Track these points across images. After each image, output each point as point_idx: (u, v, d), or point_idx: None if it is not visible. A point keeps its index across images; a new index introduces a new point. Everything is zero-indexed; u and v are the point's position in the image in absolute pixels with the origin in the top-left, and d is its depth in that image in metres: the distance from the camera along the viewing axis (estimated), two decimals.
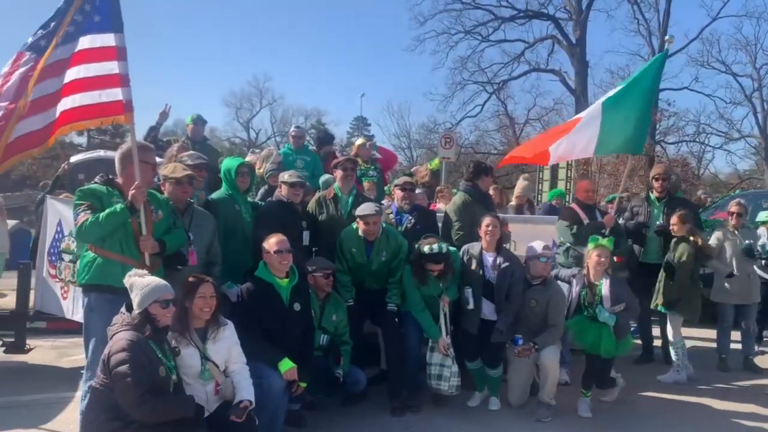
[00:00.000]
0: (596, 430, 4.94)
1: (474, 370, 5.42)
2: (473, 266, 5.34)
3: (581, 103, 26.27)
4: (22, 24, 44.70)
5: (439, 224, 6.29)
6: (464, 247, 5.50)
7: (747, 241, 6.72)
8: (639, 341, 7.00)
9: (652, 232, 6.66)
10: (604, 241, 5.39)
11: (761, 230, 7.31)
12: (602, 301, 5.25)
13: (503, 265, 5.26)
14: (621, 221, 7.19)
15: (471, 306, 5.26)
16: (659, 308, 6.29)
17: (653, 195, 6.88)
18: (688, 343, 6.75)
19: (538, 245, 5.37)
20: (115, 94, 4.22)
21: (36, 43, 4.15)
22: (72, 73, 4.20)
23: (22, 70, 4.10)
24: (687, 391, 5.99)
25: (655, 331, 7.04)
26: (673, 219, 6.27)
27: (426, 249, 5.15)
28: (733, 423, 5.19)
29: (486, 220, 5.34)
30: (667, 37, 6.37)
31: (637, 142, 6.14)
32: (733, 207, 6.99)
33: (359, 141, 8.44)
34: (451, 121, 31.59)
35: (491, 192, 6.77)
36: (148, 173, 4.33)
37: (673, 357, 6.28)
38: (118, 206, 4.04)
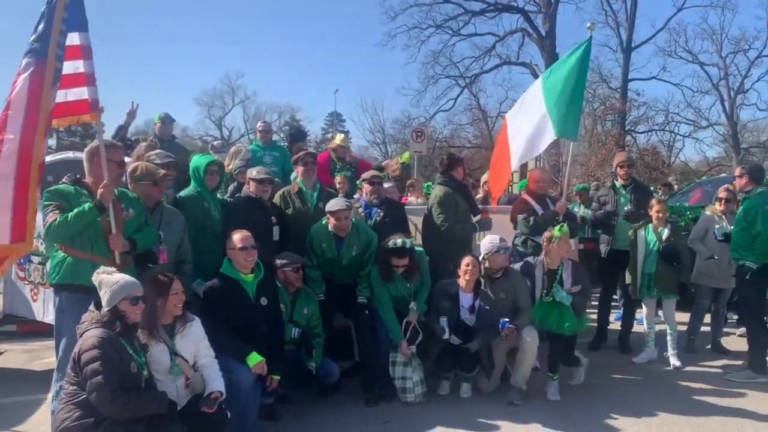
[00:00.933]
0: (566, 413, 5.05)
1: (445, 376, 5.53)
2: (448, 304, 5.40)
3: None
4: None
5: (410, 217, 6.38)
6: (439, 284, 5.56)
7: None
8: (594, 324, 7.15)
9: (621, 219, 6.79)
10: (565, 230, 5.58)
11: None
12: (561, 282, 5.48)
13: (486, 307, 5.38)
14: (588, 212, 7.33)
15: (447, 336, 5.31)
16: (657, 296, 6.44)
17: (618, 183, 7.03)
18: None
19: (494, 239, 5.57)
20: (81, 93, 4.23)
21: (31, 48, 4.05)
22: None
23: (24, 75, 3.99)
24: (654, 373, 6.18)
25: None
26: (656, 206, 6.49)
27: (390, 244, 5.27)
28: (698, 402, 5.36)
29: (465, 260, 5.41)
30: (588, 24, 6.54)
31: (573, 128, 6.36)
32: (721, 193, 6.94)
33: (339, 138, 8.42)
34: (424, 116, 31.86)
35: None
36: (114, 171, 4.30)
37: (672, 341, 6.45)
38: (87, 205, 4.03)
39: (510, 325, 5.22)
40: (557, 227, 5.62)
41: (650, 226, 6.50)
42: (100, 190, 4.05)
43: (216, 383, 3.90)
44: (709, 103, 31.56)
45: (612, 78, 28.98)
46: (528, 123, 6.53)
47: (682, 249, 6.47)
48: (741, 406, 5.27)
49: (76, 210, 4.02)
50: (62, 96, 4.19)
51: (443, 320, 5.31)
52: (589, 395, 5.47)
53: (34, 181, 3.97)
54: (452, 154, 6.80)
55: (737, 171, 6.29)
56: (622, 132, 25.21)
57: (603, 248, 6.96)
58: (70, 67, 4.18)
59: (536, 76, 28.79)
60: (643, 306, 6.67)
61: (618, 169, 7.08)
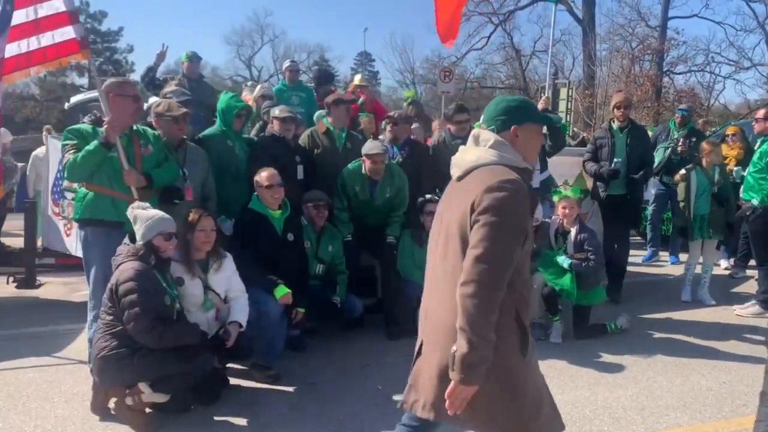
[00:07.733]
0: (586, 354, 5.09)
1: None
2: None
3: (588, 32, 25.68)
4: None
5: None
6: None
7: None
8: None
9: (621, 163, 6.54)
10: (568, 192, 5.49)
11: None
12: (567, 248, 5.40)
13: None
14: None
15: None
16: (708, 237, 6.47)
17: (615, 125, 6.80)
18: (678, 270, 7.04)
19: None
20: (67, 32, 4.26)
21: None
22: (20, 16, 4.21)
23: None
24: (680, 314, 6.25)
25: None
26: (706, 146, 6.50)
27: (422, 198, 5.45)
28: (711, 344, 5.37)
29: None
30: None
31: None
32: None
33: (358, 78, 8.26)
34: (456, 55, 31.06)
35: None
36: (127, 107, 4.25)
37: (707, 277, 6.65)
38: (93, 144, 4.06)
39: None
40: (554, 191, 5.63)
41: (699, 168, 6.49)
42: (104, 127, 4.08)
43: (238, 314, 4.05)
44: (753, 42, 30.21)
45: (651, 16, 27.77)
46: None
47: (730, 190, 6.51)
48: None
49: (84, 150, 4.07)
50: (49, 38, 4.24)
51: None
52: (615, 336, 5.48)
53: None
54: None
55: (762, 113, 6.28)
56: (660, 73, 24.37)
57: (601, 193, 6.73)
58: (50, 7, 4.21)
59: (572, 13, 28.01)
60: (690, 247, 6.70)
61: (615, 110, 6.82)
